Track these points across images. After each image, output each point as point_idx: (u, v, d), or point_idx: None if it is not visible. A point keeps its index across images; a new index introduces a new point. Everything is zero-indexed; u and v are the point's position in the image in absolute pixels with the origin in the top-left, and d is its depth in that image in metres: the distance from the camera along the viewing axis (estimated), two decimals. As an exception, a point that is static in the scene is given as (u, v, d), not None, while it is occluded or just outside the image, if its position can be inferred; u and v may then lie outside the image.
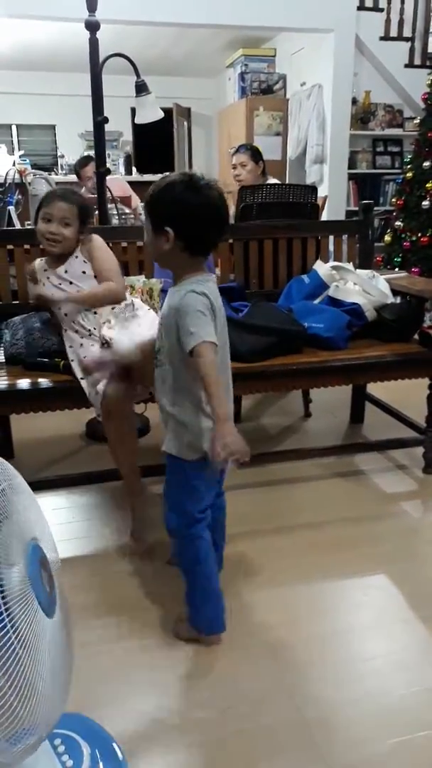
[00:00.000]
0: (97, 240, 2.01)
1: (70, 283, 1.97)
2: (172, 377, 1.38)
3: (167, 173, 1.35)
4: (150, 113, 2.63)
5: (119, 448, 1.82)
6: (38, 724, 0.86)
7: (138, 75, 2.56)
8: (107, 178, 2.65)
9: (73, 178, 5.06)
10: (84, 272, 1.98)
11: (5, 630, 0.79)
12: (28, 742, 0.85)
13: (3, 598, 0.80)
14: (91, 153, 2.97)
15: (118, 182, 4.05)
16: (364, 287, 2.38)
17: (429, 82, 4.12)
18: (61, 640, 0.96)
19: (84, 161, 4.21)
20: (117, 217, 3.30)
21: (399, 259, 4.20)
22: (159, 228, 1.32)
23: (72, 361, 1.94)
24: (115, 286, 1.97)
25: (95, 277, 1.98)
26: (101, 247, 2.01)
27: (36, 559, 0.91)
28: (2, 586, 0.81)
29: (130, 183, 4.40)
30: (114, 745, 1.20)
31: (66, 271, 1.97)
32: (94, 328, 1.91)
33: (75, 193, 2.02)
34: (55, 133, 7.84)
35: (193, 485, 1.43)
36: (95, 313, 1.94)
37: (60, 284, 1.98)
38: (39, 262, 2.06)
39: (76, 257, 1.98)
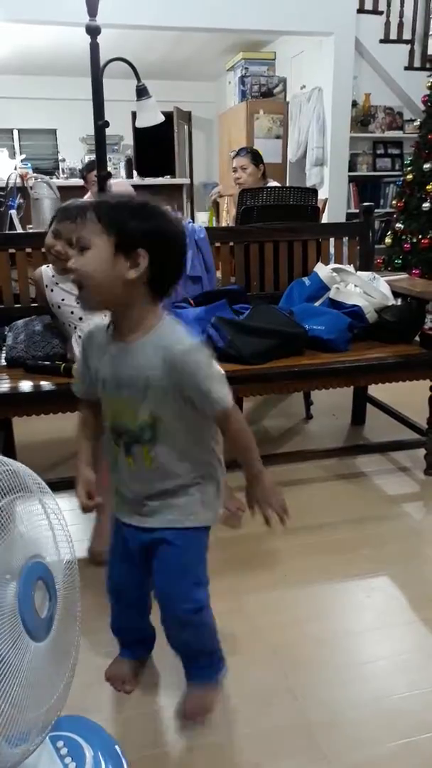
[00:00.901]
0: None
1: None
2: (182, 439, 1.15)
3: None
4: (151, 117, 2.64)
5: None
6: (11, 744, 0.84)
7: (138, 79, 2.57)
8: (113, 181, 2.66)
9: (75, 182, 5.08)
10: None
11: None
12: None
13: None
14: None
15: (123, 185, 4.08)
16: (364, 289, 2.38)
17: (429, 84, 4.13)
18: (48, 664, 0.92)
19: (91, 166, 4.22)
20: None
21: (399, 261, 4.21)
22: (126, 248, 1.02)
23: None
24: None
25: None
26: None
27: (30, 580, 0.87)
28: None
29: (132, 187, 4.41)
30: (116, 747, 1.20)
31: None
32: None
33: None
34: (56, 137, 7.87)
35: (206, 547, 1.27)
36: None
37: (72, 290, 1.98)
38: (45, 269, 2.06)
39: None
